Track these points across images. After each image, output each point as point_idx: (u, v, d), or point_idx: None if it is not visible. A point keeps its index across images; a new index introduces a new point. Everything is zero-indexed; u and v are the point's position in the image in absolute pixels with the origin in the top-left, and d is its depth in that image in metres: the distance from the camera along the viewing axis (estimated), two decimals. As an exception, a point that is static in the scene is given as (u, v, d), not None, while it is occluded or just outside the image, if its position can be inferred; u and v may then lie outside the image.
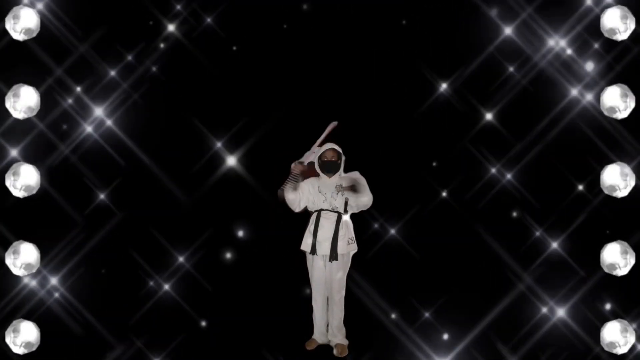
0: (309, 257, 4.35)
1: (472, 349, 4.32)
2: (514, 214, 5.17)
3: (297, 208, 4.31)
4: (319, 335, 4.42)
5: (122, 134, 4.95)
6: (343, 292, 4.33)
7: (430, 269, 5.32)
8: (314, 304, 4.41)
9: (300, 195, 4.30)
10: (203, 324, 4.72)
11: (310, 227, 4.32)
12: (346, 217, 4.30)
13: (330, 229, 4.27)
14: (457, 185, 5.34)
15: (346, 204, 4.27)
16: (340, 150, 4.34)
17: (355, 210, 4.31)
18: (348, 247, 4.29)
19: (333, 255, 4.25)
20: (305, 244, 4.34)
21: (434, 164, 5.46)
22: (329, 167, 4.31)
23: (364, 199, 4.26)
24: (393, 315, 4.74)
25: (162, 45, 5.02)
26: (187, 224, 5.34)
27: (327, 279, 4.33)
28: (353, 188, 4.26)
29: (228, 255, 5.41)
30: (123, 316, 4.67)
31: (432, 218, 5.39)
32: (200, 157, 5.24)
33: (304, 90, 5.36)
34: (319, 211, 4.30)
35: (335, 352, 4.31)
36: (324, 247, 4.27)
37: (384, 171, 5.27)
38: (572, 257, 4.78)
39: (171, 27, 4.99)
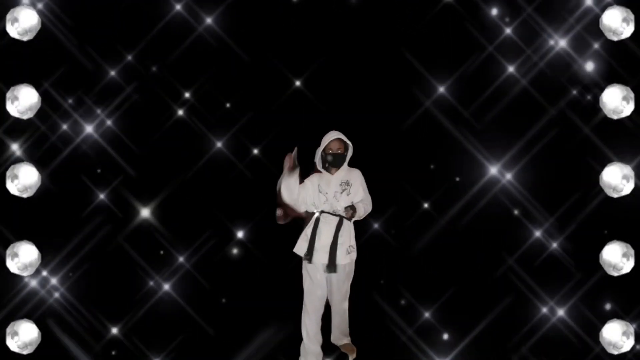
0: (306, 264, 3.94)
1: (472, 349, 4.32)
2: (514, 213, 5.16)
3: (295, 203, 3.79)
4: (312, 358, 4.02)
5: (122, 134, 4.94)
6: (347, 301, 4.07)
7: (430, 269, 5.31)
8: (307, 322, 3.96)
9: (300, 191, 3.81)
10: (203, 323, 4.72)
11: (307, 230, 3.88)
12: (347, 222, 3.92)
13: (329, 235, 3.84)
14: (457, 185, 5.34)
15: (352, 208, 3.87)
16: (347, 140, 3.93)
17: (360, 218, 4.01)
18: (348, 256, 3.93)
19: (331, 267, 3.84)
20: (300, 248, 3.92)
21: (434, 164, 5.45)
22: (334, 161, 3.87)
23: (368, 208, 3.94)
24: (393, 315, 4.74)
25: (162, 45, 5.03)
26: (187, 223, 5.34)
27: (330, 291, 4.00)
28: (353, 209, 3.86)
29: (228, 255, 5.41)
30: (123, 316, 4.67)
31: (432, 218, 5.38)
32: (200, 156, 5.23)
33: (304, 86, 5.36)
34: (320, 213, 3.89)
35: (346, 351, 4.21)
36: (321, 256, 3.86)
37: (384, 171, 5.27)
38: (572, 257, 4.78)
39: (171, 27, 4.99)
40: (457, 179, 5.33)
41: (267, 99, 5.34)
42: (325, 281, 3.99)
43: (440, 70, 5.16)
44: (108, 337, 4.44)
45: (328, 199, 3.88)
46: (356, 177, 4.02)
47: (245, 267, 5.38)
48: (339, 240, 3.87)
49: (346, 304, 4.11)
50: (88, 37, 4.75)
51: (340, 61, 5.30)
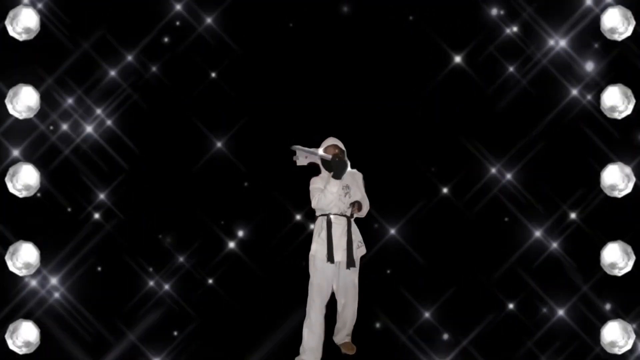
0: (317, 262, 4.08)
1: (472, 349, 4.31)
2: (514, 213, 5.17)
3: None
4: (311, 354, 4.06)
5: (122, 134, 4.95)
6: (357, 302, 4.22)
7: (430, 268, 5.31)
8: (312, 315, 4.03)
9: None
10: (203, 323, 4.72)
11: (322, 234, 4.06)
12: (352, 220, 4.13)
13: (343, 234, 4.05)
14: (457, 185, 5.34)
15: (353, 205, 4.05)
16: (342, 146, 4.13)
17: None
18: (358, 250, 4.14)
19: (350, 262, 4.04)
20: (318, 251, 4.06)
21: (434, 164, 5.45)
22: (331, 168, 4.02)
23: (365, 209, 4.15)
24: (393, 315, 4.74)
25: (162, 45, 5.03)
26: (187, 223, 5.34)
27: (342, 286, 4.14)
28: (358, 203, 4.07)
29: (228, 255, 5.41)
30: (123, 316, 4.67)
31: (432, 218, 5.38)
32: (200, 157, 5.24)
33: (303, 87, 5.36)
34: (327, 215, 4.07)
35: (345, 350, 4.27)
36: (339, 254, 4.05)
37: (384, 171, 5.26)
38: (572, 257, 4.78)
39: (171, 27, 4.99)
40: (456, 178, 5.34)
41: (267, 97, 5.34)
42: (334, 278, 4.11)
43: (440, 70, 5.16)
44: (107, 337, 4.43)
45: (335, 202, 4.05)
46: (354, 180, 4.18)
47: (244, 266, 5.39)
48: (352, 237, 4.09)
49: (356, 305, 4.22)
50: (88, 37, 4.75)
51: (341, 58, 5.31)
